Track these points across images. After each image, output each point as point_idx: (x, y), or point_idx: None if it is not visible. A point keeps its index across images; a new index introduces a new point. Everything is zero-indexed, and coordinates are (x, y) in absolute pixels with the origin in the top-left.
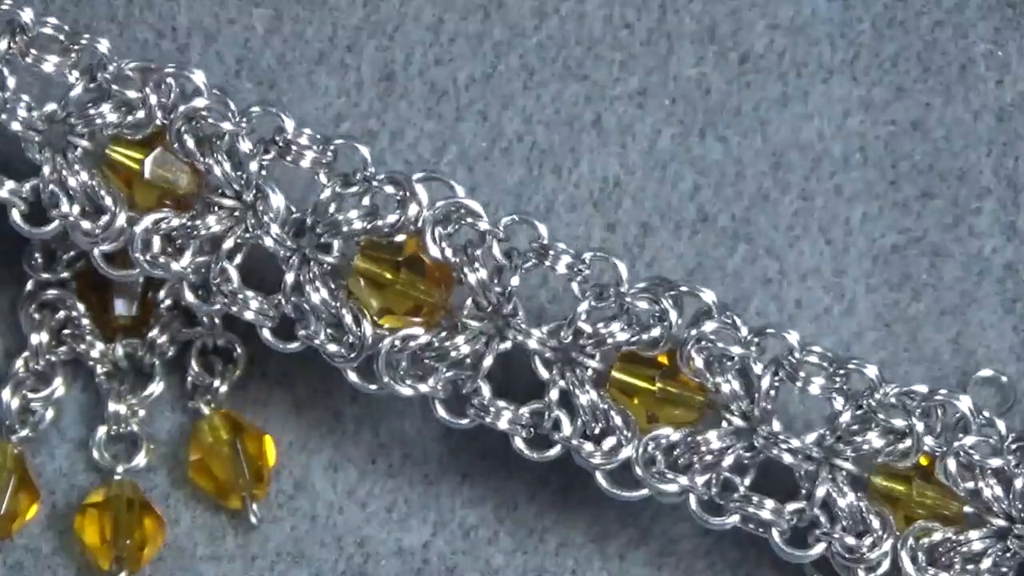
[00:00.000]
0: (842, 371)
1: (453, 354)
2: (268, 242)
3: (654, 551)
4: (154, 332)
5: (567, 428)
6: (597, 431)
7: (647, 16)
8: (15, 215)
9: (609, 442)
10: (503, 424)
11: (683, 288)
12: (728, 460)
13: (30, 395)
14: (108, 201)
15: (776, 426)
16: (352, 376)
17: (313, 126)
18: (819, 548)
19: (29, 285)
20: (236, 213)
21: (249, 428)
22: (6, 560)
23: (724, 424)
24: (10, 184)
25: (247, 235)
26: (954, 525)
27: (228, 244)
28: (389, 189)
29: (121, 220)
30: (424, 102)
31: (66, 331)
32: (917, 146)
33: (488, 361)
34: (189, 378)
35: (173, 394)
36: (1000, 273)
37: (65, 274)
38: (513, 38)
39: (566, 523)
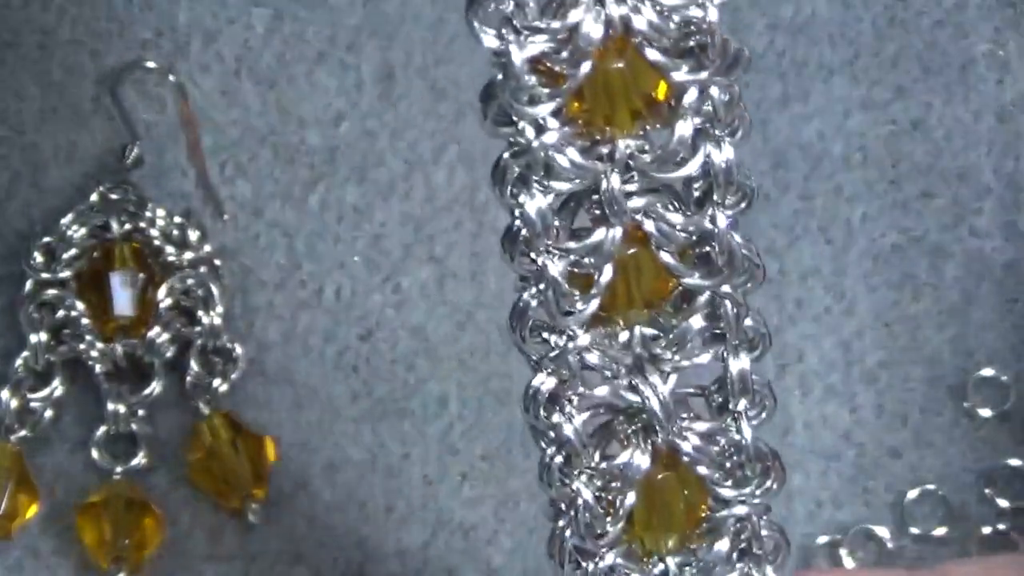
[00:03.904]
0: None
1: None
2: None
3: None
4: (154, 332)
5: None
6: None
7: None
8: None
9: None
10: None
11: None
12: None
13: (30, 395)
14: None
15: None
16: None
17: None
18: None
19: (29, 285)
20: None
21: (249, 428)
22: (6, 560)
23: None
24: None
25: None
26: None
27: None
28: None
29: None
30: (424, 102)
31: (66, 331)
32: (917, 146)
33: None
34: (189, 378)
35: (173, 394)
36: (1000, 273)
37: (65, 274)
38: None
39: None
